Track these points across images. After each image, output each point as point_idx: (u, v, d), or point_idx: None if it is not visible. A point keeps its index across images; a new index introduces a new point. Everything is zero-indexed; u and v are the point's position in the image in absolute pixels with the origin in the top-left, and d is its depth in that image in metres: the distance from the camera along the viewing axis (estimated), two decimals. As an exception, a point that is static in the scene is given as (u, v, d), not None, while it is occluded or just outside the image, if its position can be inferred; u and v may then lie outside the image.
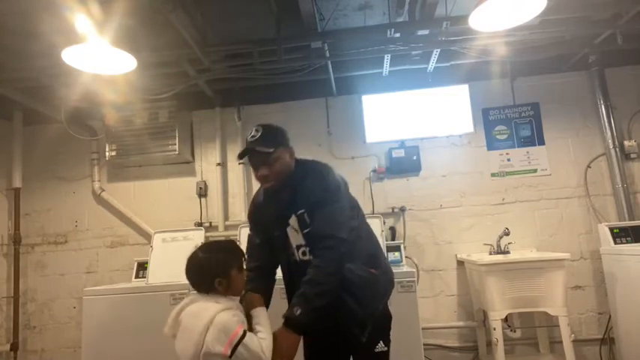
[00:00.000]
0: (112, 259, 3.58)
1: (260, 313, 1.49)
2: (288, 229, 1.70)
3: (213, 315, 1.31)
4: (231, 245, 1.55)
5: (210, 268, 1.42)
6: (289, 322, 1.51)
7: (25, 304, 3.57)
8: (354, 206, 1.79)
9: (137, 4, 2.26)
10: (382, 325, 1.75)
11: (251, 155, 1.68)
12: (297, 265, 1.70)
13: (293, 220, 1.67)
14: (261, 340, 1.38)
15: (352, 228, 1.67)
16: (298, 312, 1.50)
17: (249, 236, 1.89)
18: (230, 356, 1.28)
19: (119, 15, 2.22)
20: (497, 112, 3.50)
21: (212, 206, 3.57)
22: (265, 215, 1.78)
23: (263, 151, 1.63)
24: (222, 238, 3.17)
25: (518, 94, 3.49)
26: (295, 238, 1.69)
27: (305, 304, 1.51)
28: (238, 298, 1.52)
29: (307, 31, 2.77)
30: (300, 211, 1.65)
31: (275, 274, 1.84)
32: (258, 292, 1.63)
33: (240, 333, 1.32)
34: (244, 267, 1.55)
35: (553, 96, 3.46)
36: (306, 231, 1.64)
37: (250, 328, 1.43)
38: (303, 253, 1.70)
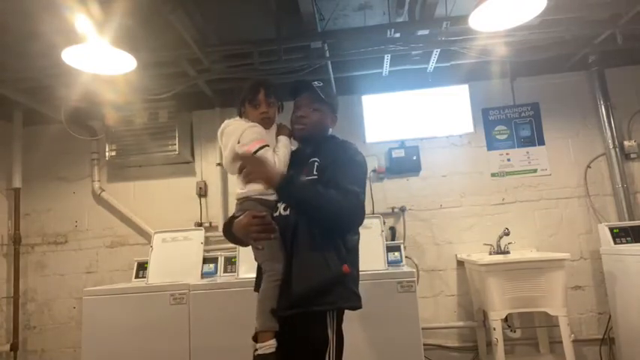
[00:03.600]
0: (112, 259, 3.58)
1: (280, 141, 1.69)
2: None
3: (243, 129, 1.63)
4: (247, 84, 1.73)
5: (240, 101, 1.73)
6: (281, 180, 1.49)
7: (25, 304, 3.57)
8: None
9: (137, 5, 2.26)
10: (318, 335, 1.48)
11: (304, 90, 1.69)
12: (279, 221, 1.56)
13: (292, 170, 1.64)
14: (276, 152, 1.63)
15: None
16: (299, 182, 1.52)
17: None
18: (254, 153, 1.56)
19: (119, 15, 2.22)
20: (497, 112, 3.50)
21: (212, 206, 3.56)
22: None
23: (319, 92, 1.65)
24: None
25: (518, 94, 3.49)
26: None
27: (296, 193, 1.50)
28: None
29: (307, 31, 2.77)
30: (313, 159, 1.62)
31: None
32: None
33: (259, 145, 1.57)
34: (261, 103, 1.66)
35: (553, 96, 3.46)
36: (308, 177, 1.58)
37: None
38: (285, 208, 1.59)
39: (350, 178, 1.54)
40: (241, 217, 1.57)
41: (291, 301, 1.47)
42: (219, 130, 1.69)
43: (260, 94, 1.67)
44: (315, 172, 1.58)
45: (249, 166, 1.50)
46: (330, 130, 1.77)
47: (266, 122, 1.68)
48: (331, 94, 1.76)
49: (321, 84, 1.70)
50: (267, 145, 1.60)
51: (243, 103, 1.71)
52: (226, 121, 1.70)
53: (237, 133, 1.62)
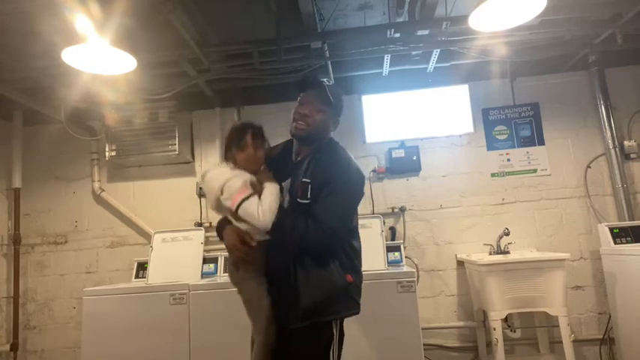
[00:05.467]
0: (112, 259, 3.58)
1: (267, 188, 1.58)
2: (285, 184, 1.65)
3: (223, 181, 1.56)
4: (232, 127, 1.71)
5: (225, 145, 1.70)
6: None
7: (25, 304, 3.57)
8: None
9: (137, 4, 2.26)
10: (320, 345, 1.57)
11: (312, 88, 1.63)
12: None
13: (286, 184, 1.62)
14: (262, 204, 1.51)
15: (351, 228, 1.63)
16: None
17: None
18: (235, 211, 1.51)
19: (119, 15, 2.22)
20: (497, 112, 3.50)
21: (212, 206, 3.56)
22: (285, 162, 1.73)
23: (327, 91, 1.60)
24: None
25: (518, 94, 3.49)
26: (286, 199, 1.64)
27: (283, 217, 1.50)
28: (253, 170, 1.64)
29: (307, 31, 2.78)
30: (305, 180, 1.57)
31: None
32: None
33: (243, 196, 1.51)
34: (248, 145, 1.61)
35: (553, 96, 3.46)
36: (302, 202, 1.56)
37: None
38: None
39: (330, 209, 1.53)
40: (232, 230, 1.58)
41: (301, 315, 1.51)
42: (200, 177, 1.65)
43: (247, 135, 1.62)
44: (308, 197, 1.55)
45: (227, 240, 1.54)
46: (332, 133, 1.72)
47: (252, 165, 1.62)
48: (339, 96, 1.70)
49: (332, 82, 1.66)
50: (252, 194, 1.52)
51: (229, 147, 1.65)
52: (206, 168, 1.65)
53: (220, 181, 1.55)
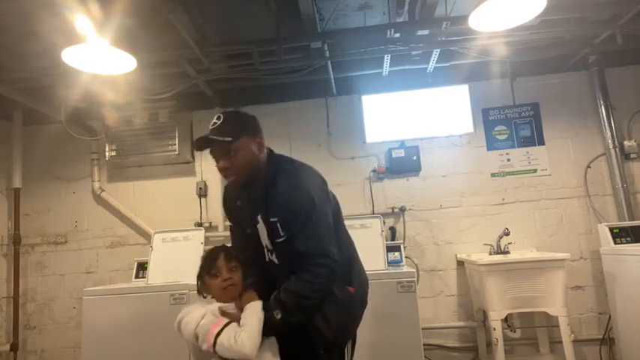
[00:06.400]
0: (112, 259, 3.58)
1: (247, 310, 1.45)
2: (259, 227, 1.56)
3: (195, 324, 1.42)
4: (203, 256, 1.59)
5: (197, 276, 1.58)
6: (267, 324, 1.40)
7: (25, 304, 3.57)
8: (334, 209, 1.61)
9: (137, 4, 2.26)
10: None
11: (209, 144, 1.49)
12: (267, 266, 1.59)
13: (261, 226, 1.54)
14: (240, 333, 1.37)
15: (339, 244, 1.54)
16: (279, 316, 1.40)
17: (231, 227, 1.78)
18: (215, 351, 1.38)
19: (119, 15, 2.21)
20: (497, 112, 3.50)
21: (212, 206, 3.56)
22: (238, 209, 1.65)
23: (220, 139, 1.45)
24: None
25: (518, 94, 3.49)
26: (264, 238, 1.57)
27: (285, 313, 1.41)
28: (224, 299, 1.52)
29: (307, 31, 2.77)
30: (272, 219, 1.49)
31: None
32: (258, 283, 1.54)
33: (216, 331, 1.38)
34: (222, 270, 1.50)
35: (553, 96, 3.46)
36: (278, 240, 1.49)
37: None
38: (270, 258, 1.58)
39: (321, 243, 1.45)
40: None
41: (329, 347, 1.51)
42: (175, 325, 1.50)
43: (219, 260, 1.51)
44: (282, 234, 1.47)
45: None
46: (263, 155, 1.56)
47: (231, 291, 1.50)
48: (236, 121, 1.52)
49: (220, 119, 1.49)
50: (227, 324, 1.39)
51: (201, 276, 1.54)
52: (179, 315, 1.50)
53: (193, 324, 1.42)
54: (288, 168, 1.55)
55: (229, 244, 1.73)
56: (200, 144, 1.51)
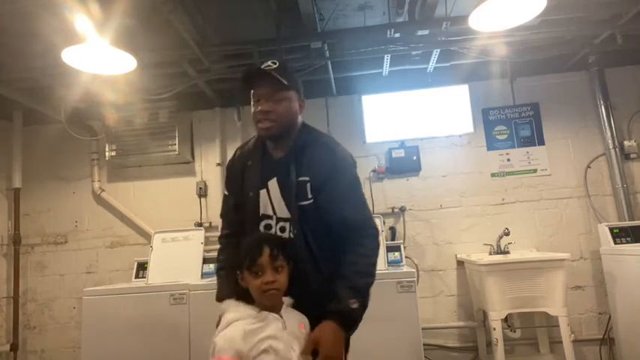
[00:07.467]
0: (112, 259, 3.58)
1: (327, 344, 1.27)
2: (262, 193, 1.45)
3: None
4: (247, 241, 1.38)
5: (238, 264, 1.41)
6: (344, 316, 1.28)
7: (25, 304, 3.57)
8: None
9: (137, 4, 2.26)
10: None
11: (262, 80, 1.41)
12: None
13: (274, 188, 1.43)
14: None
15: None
16: (355, 306, 1.28)
17: (225, 197, 1.64)
18: None
19: (119, 15, 2.22)
20: (497, 112, 3.50)
21: (212, 206, 3.56)
22: (248, 169, 1.51)
23: (278, 79, 1.37)
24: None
25: (518, 94, 3.48)
26: (276, 202, 1.44)
27: (361, 298, 1.31)
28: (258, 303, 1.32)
29: (307, 31, 2.77)
30: (302, 178, 1.39)
31: None
32: (226, 267, 1.49)
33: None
34: (265, 268, 1.29)
35: (553, 96, 3.46)
36: (303, 203, 1.39)
37: None
38: (282, 229, 1.43)
39: (360, 205, 1.44)
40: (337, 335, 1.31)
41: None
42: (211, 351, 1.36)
43: (262, 256, 1.27)
44: (309, 196, 1.39)
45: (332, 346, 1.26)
46: (300, 118, 1.53)
47: (273, 296, 1.27)
48: (293, 75, 1.49)
49: (277, 64, 1.42)
50: None
51: (241, 267, 1.31)
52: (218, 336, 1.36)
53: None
54: (323, 135, 1.54)
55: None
56: (252, 75, 1.44)
